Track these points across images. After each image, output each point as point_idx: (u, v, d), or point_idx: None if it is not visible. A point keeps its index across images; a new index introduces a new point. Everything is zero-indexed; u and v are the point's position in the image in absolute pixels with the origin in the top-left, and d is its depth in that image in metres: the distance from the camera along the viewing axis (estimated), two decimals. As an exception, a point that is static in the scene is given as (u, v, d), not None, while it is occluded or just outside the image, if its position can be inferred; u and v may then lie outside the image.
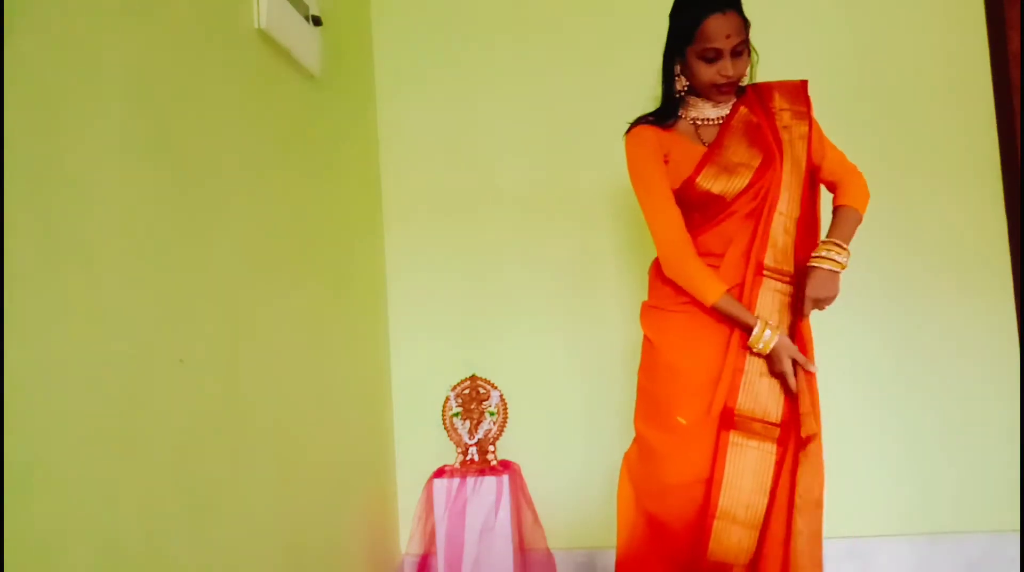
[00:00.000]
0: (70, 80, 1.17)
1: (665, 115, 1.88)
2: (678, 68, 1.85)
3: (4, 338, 1.00)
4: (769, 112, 1.85)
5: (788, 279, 1.81)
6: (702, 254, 1.82)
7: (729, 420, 1.76)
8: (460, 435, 2.50)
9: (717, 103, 1.87)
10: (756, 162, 1.81)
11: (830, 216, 1.91)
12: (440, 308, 2.78)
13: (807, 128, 1.84)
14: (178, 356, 1.41)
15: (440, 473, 2.46)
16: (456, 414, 2.50)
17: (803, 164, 1.83)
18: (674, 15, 1.84)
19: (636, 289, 2.64)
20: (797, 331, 1.81)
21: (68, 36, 1.18)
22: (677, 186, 1.83)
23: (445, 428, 2.51)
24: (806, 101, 1.87)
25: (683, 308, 1.84)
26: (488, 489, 2.39)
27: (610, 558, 2.42)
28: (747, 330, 1.76)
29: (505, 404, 2.51)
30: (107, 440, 1.20)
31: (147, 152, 1.36)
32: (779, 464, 1.75)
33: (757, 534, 1.74)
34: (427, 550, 2.47)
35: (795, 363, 1.75)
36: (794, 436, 1.77)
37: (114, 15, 1.30)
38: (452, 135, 2.80)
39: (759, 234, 1.80)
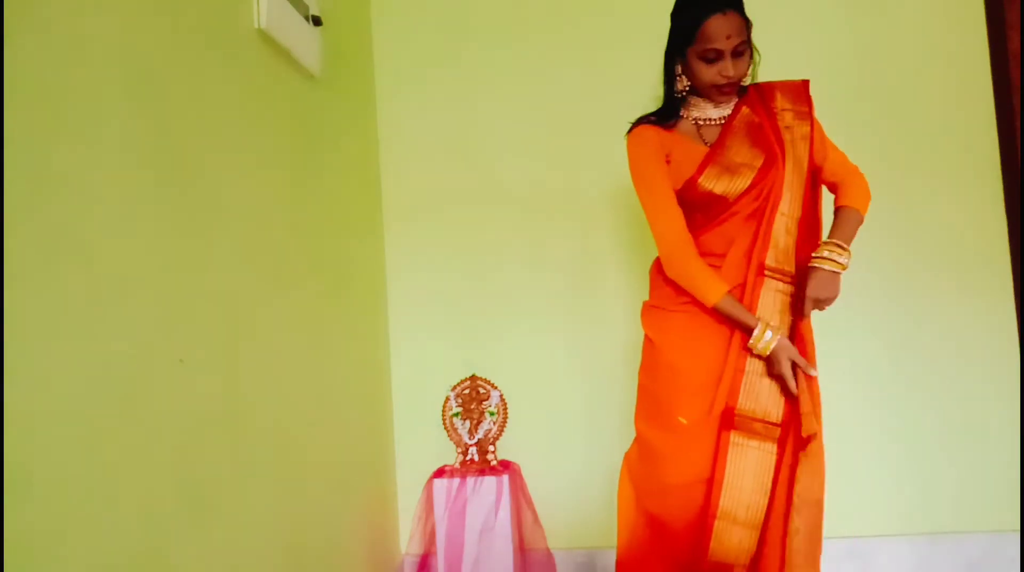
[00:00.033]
0: (70, 80, 1.17)
1: (667, 115, 1.88)
2: (679, 68, 1.85)
3: (4, 338, 1.00)
4: (771, 112, 1.85)
5: (789, 279, 1.81)
6: (703, 254, 1.82)
7: (730, 420, 1.76)
8: (460, 435, 2.50)
9: (718, 103, 1.87)
10: (758, 162, 1.81)
11: (831, 217, 1.91)
12: (440, 308, 2.78)
13: (809, 128, 1.84)
14: (178, 356, 1.41)
15: (440, 473, 2.46)
16: (456, 414, 2.50)
17: (805, 164, 1.83)
18: (675, 15, 1.83)
19: (636, 289, 2.64)
20: (798, 332, 1.81)
21: (68, 36, 1.18)
22: (679, 186, 1.83)
23: (445, 428, 2.51)
24: (808, 101, 1.87)
25: (684, 308, 1.84)
26: (488, 489, 2.39)
27: (610, 558, 2.42)
28: (747, 331, 1.76)
29: (505, 404, 2.51)
30: (107, 440, 1.20)
31: (147, 152, 1.36)
32: (779, 464, 1.75)
33: (757, 534, 1.74)
34: (427, 550, 2.47)
35: (794, 365, 1.75)
36: (794, 436, 1.77)
37: (114, 15, 1.30)
38: (452, 135, 2.80)
39: (761, 234, 1.80)
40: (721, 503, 1.73)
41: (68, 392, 1.12)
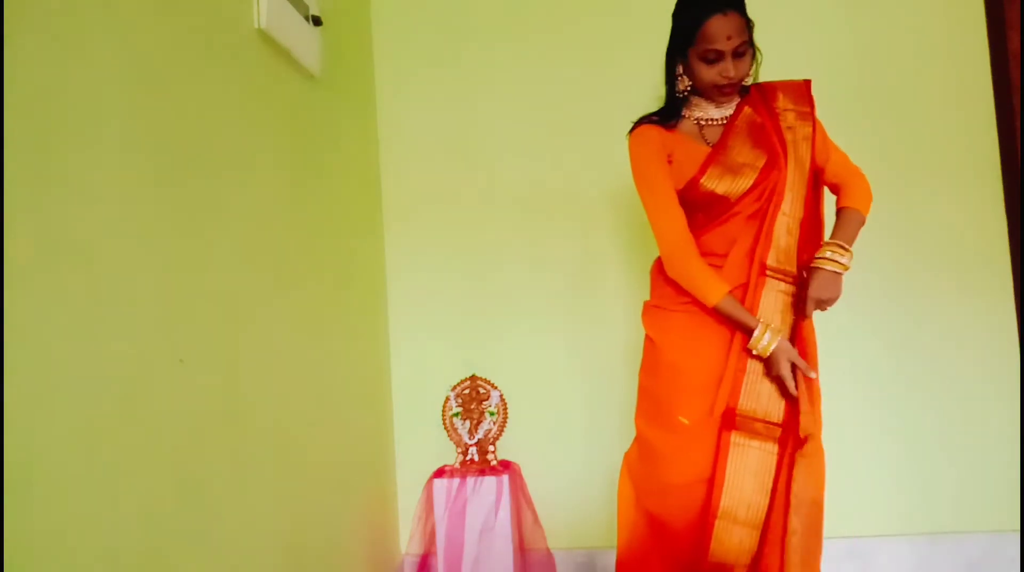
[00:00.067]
0: (70, 80, 1.17)
1: (669, 115, 1.88)
2: (680, 68, 1.85)
3: (4, 338, 1.00)
4: (773, 112, 1.85)
5: (791, 279, 1.81)
6: (704, 254, 1.82)
7: (731, 420, 1.76)
8: (460, 435, 2.50)
9: (720, 103, 1.86)
10: (760, 163, 1.81)
11: (832, 217, 1.91)
12: (440, 308, 2.78)
13: (811, 129, 1.84)
14: (178, 356, 1.41)
15: (440, 473, 2.46)
16: (456, 414, 2.50)
17: (807, 165, 1.83)
18: (676, 16, 1.83)
19: (636, 289, 2.64)
20: (799, 333, 1.81)
21: (68, 36, 1.18)
22: (681, 186, 1.83)
23: (445, 428, 2.51)
24: (810, 101, 1.87)
25: (685, 307, 1.84)
26: (488, 489, 2.39)
27: (610, 558, 2.42)
28: (747, 332, 1.76)
29: (505, 404, 2.51)
30: (107, 440, 1.20)
31: (147, 152, 1.36)
32: (780, 464, 1.75)
33: (758, 534, 1.74)
34: (427, 550, 2.47)
35: (794, 367, 1.75)
36: (794, 436, 1.76)
37: (114, 15, 1.30)
38: (452, 135, 2.80)
39: (763, 235, 1.80)
40: (722, 503, 1.73)
41: (68, 392, 1.12)
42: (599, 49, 2.76)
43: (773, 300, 1.79)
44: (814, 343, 1.85)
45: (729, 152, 1.82)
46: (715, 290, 1.76)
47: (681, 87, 1.86)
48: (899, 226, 2.61)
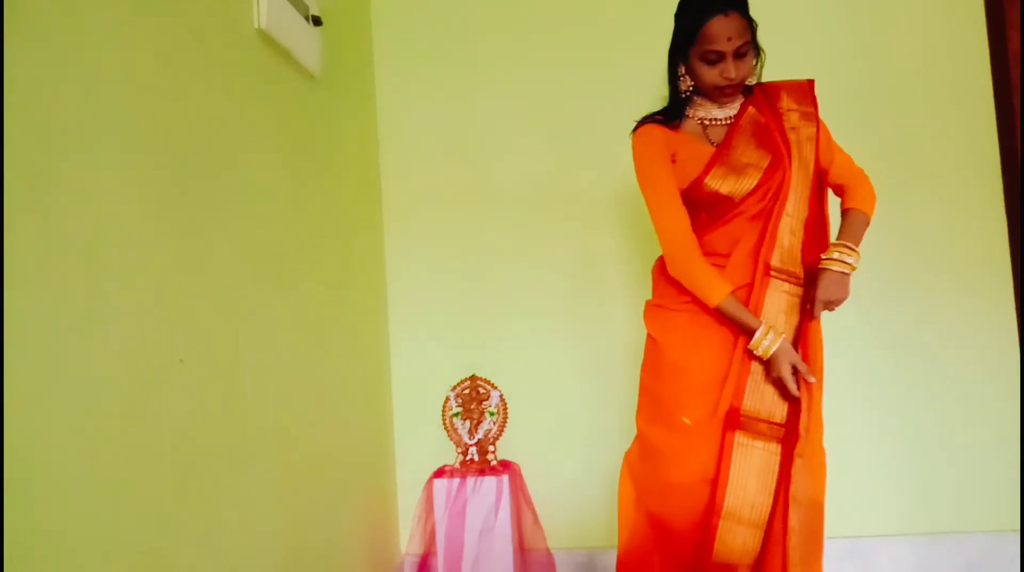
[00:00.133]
0: (70, 80, 1.17)
1: (672, 114, 1.88)
2: (682, 68, 1.85)
3: (4, 338, 1.00)
4: (777, 113, 1.85)
5: (795, 280, 1.81)
6: (707, 254, 1.81)
7: (735, 421, 1.76)
8: (460, 435, 2.50)
9: (723, 104, 1.86)
10: (764, 163, 1.81)
11: (835, 218, 1.91)
12: (440, 308, 2.78)
13: (815, 130, 1.84)
14: (178, 356, 1.41)
15: (440, 473, 2.46)
16: (456, 414, 2.50)
17: (811, 166, 1.83)
18: (678, 16, 1.83)
19: (637, 289, 2.64)
20: (805, 335, 1.80)
21: (68, 37, 1.18)
22: (685, 186, 1.82)
23: (445, 428, 2.51)
24: (813, 101, 1.87)
25: (687, 307, 1.84)
26: (488, 489, 2.39)
27: (610, 558, 2.42)
28: (749, 333, 1.75)
29: (505, 404, 2.51)
30: (107, 440, 1.20)
31: (147, 152, 1.36)
32: (783, 464, 1.75)
33: (761, 534, 1.74)
34: (427, 550, 2.47)
35: (795, 369, 1.75)
36: (795, 436, 1.76)
37: (114, 15, 1.30)
38: (452, 135, 2.80)
39: (767, 235, 1.80)
40: (726, 503, 1.73)
41: (68, 392, 1.12)
42: (599, 49, 2.76)
43: (777, 301, 1.79)
44: (820, 346, 1.85)
45: (733, 152, 1.81)
46: (717, 290, 1.76)
47: (683, 87, 1.86)
48: (899, 226, 2.61)
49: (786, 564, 1.72)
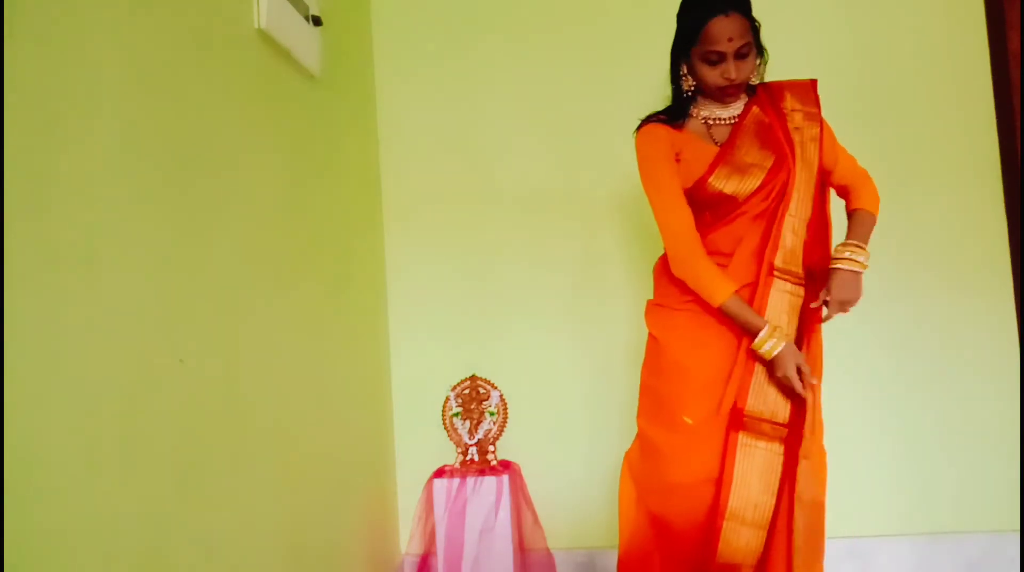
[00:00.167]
0: (70, 80, 1.17)
1: (676, 114, 1.87)
2: (684, 68, 1.85)
3: (4, 338, 1.00)
4: (780, 113, 1.85)
5: (796, 280, 1.81)
6: (710, 253, 1.81)
7: (738, 421, 1.76)
8: (460, 435, 2.50)
9: (727, 103, 1.86)
10: (768, 163, 1.81)
11: (836, 218, 1.91)
12: (440, 308, 2.78)
13: (819, 130, 1.84)
14: (178, 356, 1.41)
15: (440, 473, 2.46)
16: (456, 414, 2.50)
17: (815, 166, 1.83)
18: (680, 16, 1.83)
19: (638, 288, 2.64)
20: (808, 336, 1.80)
21: (68, 36, 1.18)
22: (689, 185, 1.82)
23: (445, 428, 2.51)
24: (816, 102, 1.87)
25: (689, 306, 1.84)
26: (488, 489, 2.39)
27: (610, 558, 2.42)
28: (753, 333, 1.75)
29: (505, 404, 2.51)
30: (107, 440, 1.20)
31: (147, 152, 1.36)
32: (786, 464, 1.75)
33: (764, 534, 1.74)
34: (427, 550, 2.47)
35: (799, 370, 1.74)
36: (798, 436, 1.76)
37: (114, 15, 1.30)
38: (452, 135, 2.80)
39: (771, 235, 1.80)
40: (730, 504, 1.73)
41: (68, 392, 1.12)
42: (599, 48, 2.76)
43: (779, 300, 1.79)
44: (821, 346, 1.85)
45: (737, 152, 1.81)
46: (722, 290, 1.76)
47: (686, 87, 1.86)
48: (899, 226, 2.61)
49: (790, 564, 1.72)
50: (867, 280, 2.53)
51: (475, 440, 2.49)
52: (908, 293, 2.63)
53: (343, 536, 2.24)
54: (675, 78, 1.87)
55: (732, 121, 1.86)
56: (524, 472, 2.56)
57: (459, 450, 2.50)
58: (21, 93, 1.06)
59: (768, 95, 1.87)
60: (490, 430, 2.49)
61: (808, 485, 1.75)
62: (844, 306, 1.81)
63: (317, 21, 2.14)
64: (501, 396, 2.51)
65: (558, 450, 2.72)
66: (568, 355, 2.74)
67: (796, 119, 1.85)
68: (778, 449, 1.76)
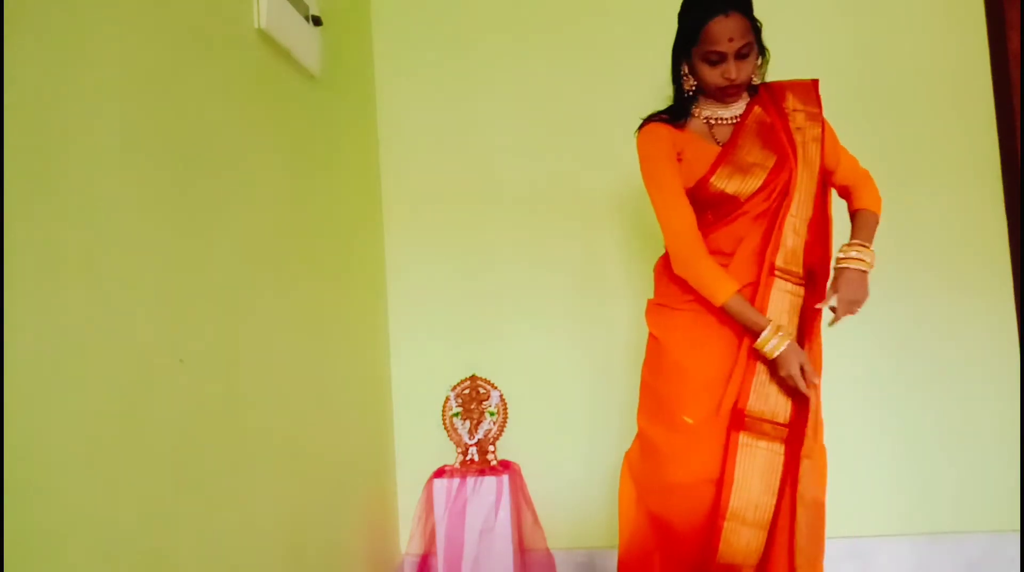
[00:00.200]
0: (70, 80, 1.17)
1: (678, 113, 1.87)
2: (685, 68, 1.85)
3: (4, 338, 1.00)
4: (782, 113, 1.85)
5: (797, 280, 1.81)
6: (711, 252, 1.81)
7: (739, 421, 1.75)
8: (460, 435, 2.50)
9: (728, 103, 1.86)
10: (770, 163, 1.81)
11: (838, 218, 1.91)
12: (440, 308, 2.78)
13: (820, 130, 1.84)
14: (178, 356, 1.41)
15: (440, 473, 2.46)
16: (456, 414, 2.50)
17: (816, 166, 1.83)
18: (681, 16, 1.83)
19: (638, 288, 2.64)
20: (810, 336, 1.80)
21: (68, 36, 1.18)
22: (691, 185, 1.82)
23: (445, 428, 2.51)
24: (817, 102, 1.87)
25: (690, 306, 1.84)
26: (488, 489, 2.39)
27: (610, 558, 2.42)
28: (755, 332, 1.74)
29: (505, 404, 2.51)
30: (107, 440, 1.20)
31: (147, 152, 1.36)
32: (786, 464, 1.75)
33: (765, 535, 1.74)
34: (427, 550, 2.47)
35: (802, 368, 1.74)
36: (799, 436, 1.76)
37: (114, 15, 1.30)
38: (452, 134, 2.80)
39: (773, 235, 1.80)
40: (731, 504, 1.73)
41: (68, 392, 1.12)
42: (599, 48, 2.76)
43: (780, 300, 1.79)
44: (820, 346, 1.85)
45: (739, 152, 1.81)
46: (724, 288, 1.76)
47: (687, 87, 1.86)
48: (899, 226, 2.60)
49: (792, 564, 1.72)
50: (868, 280, 2.55)
51: (475, 440, 2.49)
52: (908, 293, 2.63)
53: (343, 536, 2.24)
54: (676, 78, 1.87)
55: (734, 121, 1.86)
56: (524, 472, 2.56)
57: (459, 450, 2.50)
58: (21, 93, 1.06)
59: (770, 95, 1.87)
60: (490, 430, 2.49)
61: (810, 485, 1.75)
62: (852, 307, 1.81)
63: (317, 21, 2.14)
64: (501, 396, 2.51)
65: (558, 450, 2.72)
66: (568, 355, 2.74)
67: (798, 119, 1.85)
68: (779, 449, 1.76)
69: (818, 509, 1.78)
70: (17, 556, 1.00)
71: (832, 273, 1.85)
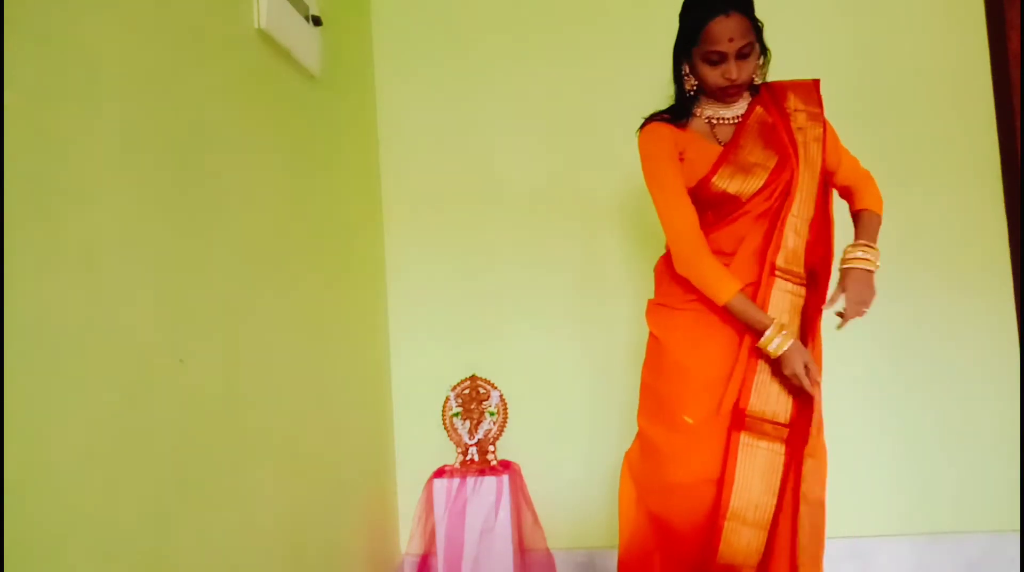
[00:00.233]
0: (70, 80, 1.17)
1: (679, 113, 1.87)
2: (686, 68, 1.85)
3: (4, 338, 1.00)
4: (784, 113, 1.85)
5: (798, 280, 1.81)
6: (713, 252, 1.81)
7: (740, 421, 1.75)
8: (460, 435, 2.50)
9: (730, 103, 1.86)
10: (771, 163, 1.81)
11: (838, 218, 1.91)
12: (440, 308, 2.78)
13: (822, 130, 1.84)
14: (178, 356, 1.41)
15: (440, 473, 2.46)
16: (456, 414, 2.50)
17: (818, 167, 1.83)
18: (681, 16, 1.82)
19: (638, 288, 2.64)
20: (812, 335, 1.80)
21: (68, 37, 1.18)
22: (692, 185, 1.82)
23: (445, 428, 2.51)
24: (819, 102, 1.87)
25: (691, 306, 1.84)
26: (488, 489, 2.39)
27: (610, 558, 2.42)
28: (758, 331, 1.74)
29: (505, 404, 2.51)
30: (107, 440, 1.20)
31: (147, 152, 1.36)
32: (787, 464, 1.75)
33: (765, 535, 1.74)
34: (427, 550, 2.47)
35: (806, 367, 1.74)
36: (800, 436, 1.76)
37: (114, 15, 1.30)
38: (452, 134, 2.80)
39: (774, 235, 1.79)
40: (732, 504, 1.73)
41: (68, 392, 1.12)
42: (599, 48, 2.76)
43: (781, 300, 1.79)
44: (820, 345, 1.84)
45: (741, 151, 1.81)
46: (727, 287, 1.76)
47: (688, 87, 1.86)
48: (899, 226, 2.60)
49: (794, 564, 1.72)
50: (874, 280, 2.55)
51: (475, 440, 2.49)
52: (908, 293, 2.63)
53: (343, 536, 2.24)
54: (677, 78, 1.87)
55: (735, 121, 1.86)
56: (524, 472, 2.56)
57: (459, 450, 2.50)
58: (21, 93, 1.06)
59: (771, 95, 1.87)
60: (490, 430, 2.49)
61: (813, 484, 1.75)
62: (860, 308, 1.81)
63: (317, 21, 2.14)
64: (501, 396, 2.51)
65: (558, 450, 2.72)
66: (568, 355, 2.74)
67: (799, 119, 1.85)
68: (779, 449, 1.76)
69: (820, 508, 1.78)
70: (17, 556, 1.00)
71: (839, 274, 1.85)
